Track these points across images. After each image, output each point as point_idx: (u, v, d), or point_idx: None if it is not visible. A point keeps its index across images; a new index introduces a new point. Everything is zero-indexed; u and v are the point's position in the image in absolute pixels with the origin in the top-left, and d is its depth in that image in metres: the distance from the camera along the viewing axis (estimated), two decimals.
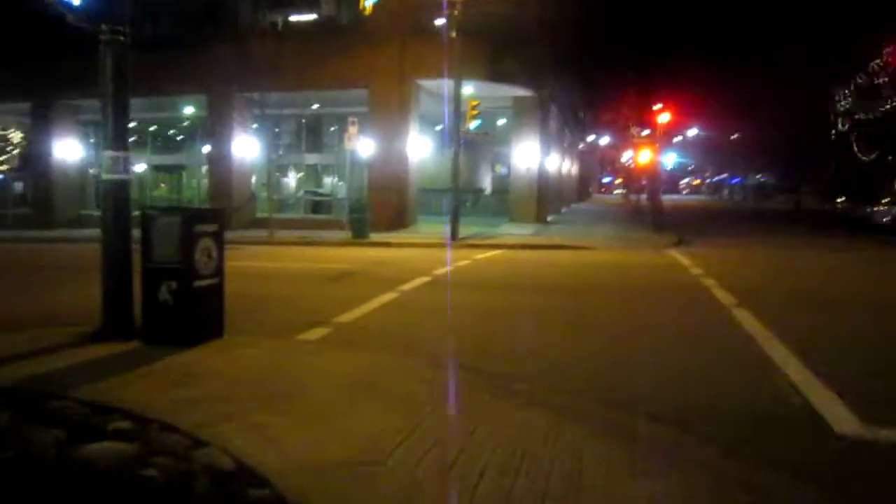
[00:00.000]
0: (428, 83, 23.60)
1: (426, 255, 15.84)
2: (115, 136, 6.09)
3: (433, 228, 21.88)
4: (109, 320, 6.10)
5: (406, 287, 10.07)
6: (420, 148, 25.22)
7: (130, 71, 6.19)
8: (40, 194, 27.67)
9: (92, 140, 30.90)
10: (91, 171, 29.99)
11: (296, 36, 24.73)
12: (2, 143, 35.25)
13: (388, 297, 9.18)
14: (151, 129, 32.01)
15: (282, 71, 22.44)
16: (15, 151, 34.81)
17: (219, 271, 6.10)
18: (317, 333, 6.88)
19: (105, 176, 6.09)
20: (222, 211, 6.25)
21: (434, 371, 5.38)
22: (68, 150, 27.89)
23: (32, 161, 28.61)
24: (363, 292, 9.42)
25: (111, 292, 6.08)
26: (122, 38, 6.06)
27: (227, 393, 4.47)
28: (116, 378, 4.78)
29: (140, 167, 32.04)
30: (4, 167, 33.27)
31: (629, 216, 33.80)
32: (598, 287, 11.08)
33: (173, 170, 31.90)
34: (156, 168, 32.16)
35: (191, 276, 5.77)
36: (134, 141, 33.11)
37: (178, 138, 32.14)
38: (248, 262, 14.23)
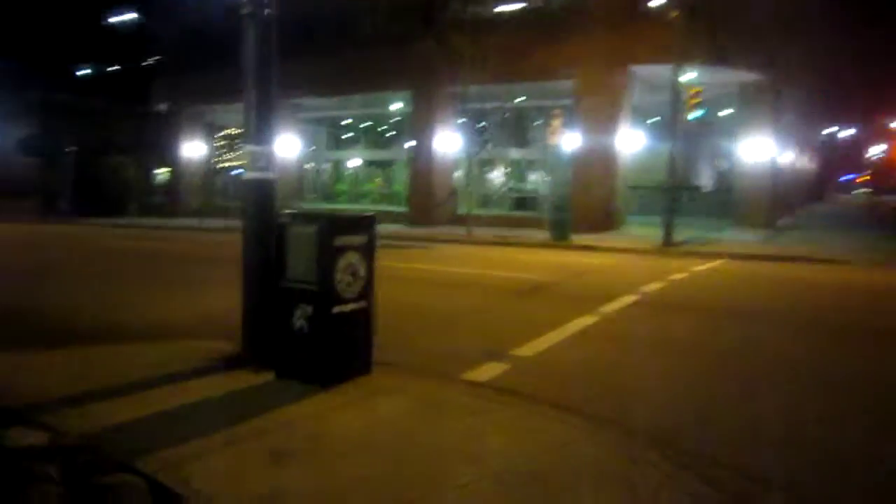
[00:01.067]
0: (642, 70, 21.26)
1: (634, 263, 13.82)
2: (258, 128, 5.10)
3: (643, 231, 19.59)
4: (247, 344, 5.14)
5: (608, 308, 8.29)
6: (631, 141, 22.90)
7: (276, 51, 5.14)
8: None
9: (314, 136, 32.49)
10: (308, 165, 31.67)
11: (500, 26, 23.55)
12: (232, 141, 38.37)
13: (586, 321, 7.48)
14: (365, 125, 33.03)
15: (484, 63, 21.40)
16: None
17: (366, 293, 4.86)
18: (487, 372, 5.43)
19: (248, 174, 5.12)
20: (371, 218, 4.98)
21: (662, 467, 3.57)
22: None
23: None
24: (555, 313, 7.83)
25: (250, 313, 5.10)
26: (266, 10, 5.02)
27: (340, 486, 3.15)
28: (221, 434, 3.70)
29: (355, 162, 33.32)
30: (236, 163, 36.20)
31: (880, 221, 28.49)
32: (872, 326, 8.21)
33: (384, 165, 32.61)
34: (369, 163, 33.17)
35: (330, 301, 4.58)
36: (350, 137, 34.57)
37: (389, 134, 32.72)
38: (432, 264, 13.29)
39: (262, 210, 5.06)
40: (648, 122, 26.24)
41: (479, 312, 8.26)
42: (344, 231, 4.70)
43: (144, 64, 44.84)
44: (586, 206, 20.29)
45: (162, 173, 36.48)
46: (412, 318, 7.55)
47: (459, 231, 20.12)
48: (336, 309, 4.63)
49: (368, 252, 4.86)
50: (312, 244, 4.56)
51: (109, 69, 52.01)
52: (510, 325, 7.48)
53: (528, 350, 6.17)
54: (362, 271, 4.79)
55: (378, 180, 33.56)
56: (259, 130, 5.08)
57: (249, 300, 5.10)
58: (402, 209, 26.26)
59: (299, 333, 4.66)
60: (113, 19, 53.56)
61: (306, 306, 4.62)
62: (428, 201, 24.51)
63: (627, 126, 22.27)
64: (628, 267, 13.24)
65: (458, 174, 26.12)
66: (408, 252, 15.50)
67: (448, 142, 24.89)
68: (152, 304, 8.40)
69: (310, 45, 26.06)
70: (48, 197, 33.98)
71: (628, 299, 8.99)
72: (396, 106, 28.55)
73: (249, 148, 5.08)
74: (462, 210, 24.14)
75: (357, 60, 24.96)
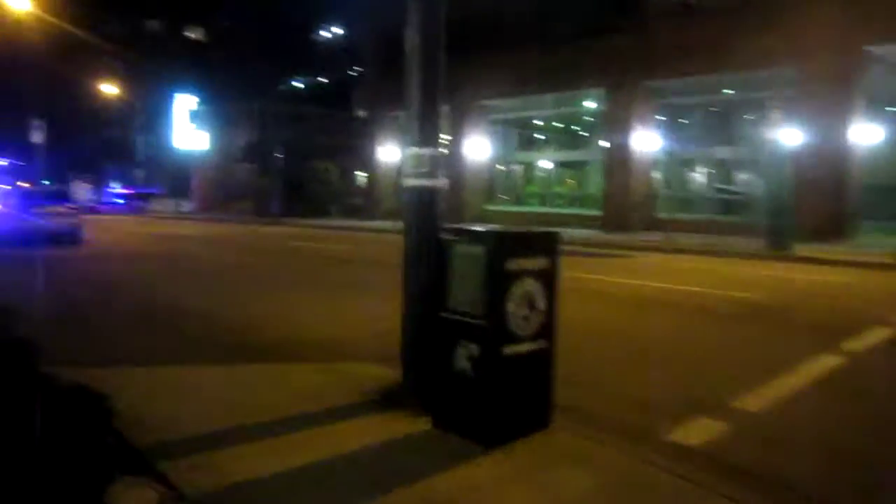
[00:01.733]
0: (880, 50, 18.11)
1: (878, 282, 11.47)
2: (422, 127, 4.31)
3: (883, 240, 16.58)
4: (406, 379, 4.39)
5: (855, 345, 6.55)
6: (867, 134, 19.62)
7: (442, 39, 4.34)
8: (452, 190, 29.33)
9: (503, 138, 32.10)
10: (497, 167, 31.27)
11: (706, 12, 21.33)
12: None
13: (828, 362, 5.88)
14: (557, 124, 31.97)
15: (689, 53, 19.51)
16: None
17: (546, 331, 3.89)
18: (698, 432, 4.21)
19: (407, 181, 4.37)
20: (554, 236, 3.99)
21: None
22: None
23: (448, 159, 30.70)
24: (782, 347, 6.33)
25: (409, 345, 4.35)
26: None
27: None
28: None
29: (546, 164, 32.40)
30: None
31: None
32: None
33: (577, 166, 31.36)
34: (561, 164, 32.10)
35: (499, 339, 3.68)
36: (541, 138, 33.68)
37: (581, 133, 31.39)
38: (624, 276, 11.91)
39: (424, 224, 4.27)
40: (890, 110, 22.47)
41: (682, 341, 6.92)
42: (520, 252, 3.76)
43: (350, 73, 47.46)
44: (810, 210, 17.64)
45: (361, 177, 38.07)
46: (597, 345, 6.45)
47: (657, 237, 18.40)
48: (507, 350, 3.71)
49: (550, 279, 3.89)
50: (480, 268, 3.67)
51: (318, 80, 55.77)
52: (724, 361, 6.11)
53: (752, 402, 4.81)
54: (541, 303, 3.83)
55: (570, 182, 32.37)
56: (423, 130, 4.30)
57: (408, 330, 4.34)
58: (595, 213, 24.85)
59: (461, 376, 3.80)
60: (323, 33, 57.36)
61: (470, 344, 3.75)
62: (623, 204, 22.90)
63: (862, 116, 19.10)
64: (870, 286, 10.98)
65: (657, 175, 24.20)
66: (597, 261, 14.24)
67: (646, 140, 23.10)
68: (330, 312, 8.07)
69: (498, 46, 25.55)
70: (261, 199, 36.84)
71: (881, 333, 7.12)
72: (590, 104, 27.18)
73: (411, 151, 4.32)
74: (661, 214, 22.30)
75: (548, 58, 24.00)
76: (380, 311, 7.14)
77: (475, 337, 3.72)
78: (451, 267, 3.84)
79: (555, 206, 29.74)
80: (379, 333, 6.44)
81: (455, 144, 29.03)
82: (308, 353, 5.91)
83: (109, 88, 48.30)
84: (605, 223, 23.07)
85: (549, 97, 26.80)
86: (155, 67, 51.83)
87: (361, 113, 35.46)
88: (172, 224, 31.83)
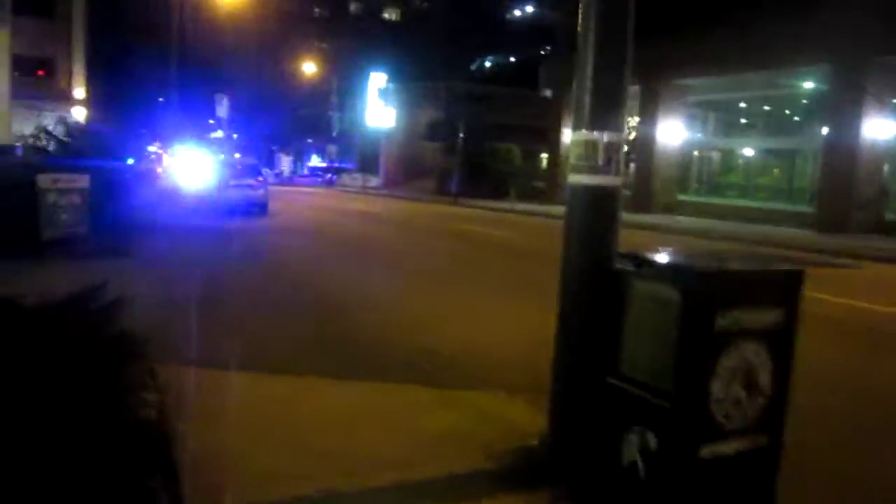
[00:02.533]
0: None
1: None
2: (597, 102, 3.04)
3: None
4: (552, 448, 3.19)
5: None
6: None
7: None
8: (641, 178, 27.09)
9: (700, 123, 29.25)
10: (693, 153, 28.55)
11: None
12: None
13: None
14: (764, 107, 28.47)
15: None
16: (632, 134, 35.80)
17: (770, 421, 2.50)
18: None
19: (572, 177, 3.12)
20: (797, 276, 2.54)
21: None
22: (672, 133, 26.51)
23: (637, 144, 28.40)
24: None
25: (561, 412, 3.14)
26: None
27: None
28: None
29: (748, 151, 29.00)
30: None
31: None
32: None
33: (784, 155, 27.68)
34: (766, 152, 28.56)
35: (693, 432, 2.37)
36: (745, 123, 30.24)
37: (791, 118, 27.69)
38: (854, 296, 9.58)
39: (590, 242, 3.01)
40: None
41: None
42: (739, 300, 2.39)
43: (540, 53, 46.10)
44: None
45: (545, 159, 36.74)
46: (841, 409, 4.73)
47: (891, 245, 15.37)
48: (704, 449, 2.38)
49: (783, 343, 2.48)
50: (672, 320, 2.37)
51: (508, 59, 54.95)
52: None
53: None
54: (766, 380, 2.44)
55: (777, 172, 28.73)
56: (597, 107, 3.03)
57: (559, 392, 3.12)
58: (804, 209, 21.65)
59: (630, 475, 2.54)
60: (516, 12, 56.35)
61: (647, 432, 2.47)
62: (844, 202, 19.55)
63: None
64: None
65: (889, 169, 20.50)
66: (817, 273, 11.87)
67: (881, 127, 19.51)
68: (485, 315, 7.01)
69: (697, 18, 22.82)
70: (442, 178, 36.78)
71: None
72: (807, 84, 23.65)
73: (579, 135, 3.07)
74: (893, 215, 18.84)
75: (756, 31, 20.91)
76: (541, 321, 5.93)
77: (655, 423, 2.44)
78: (629, 313, 2.58)
79: (757, 199, 26.43)
80: (533, 347, 5.23)
81: (646, 128, 26.77)
82: (444, 367, 4.89)
83: (310, 67, 50.81)
84: (819, 222, 19.88)
85: (755, 76, 23.60)
86: (353, 47, 53.90)
87: (547, 92, 33.98)
88: (354, 199, 32.66)
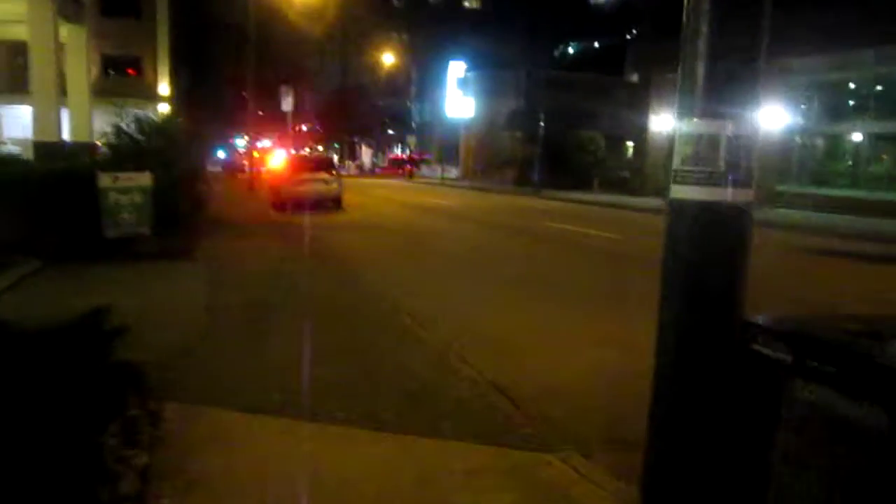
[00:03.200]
0: None
1: None
2: (718, 81, 2.06)
3: None
4: None
5: None
6: None
7: None
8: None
9: (803, 106, 26.94)
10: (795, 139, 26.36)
11: None
12: None
13: None
14: (877, 89, 25.83)
15: None
16: None
17: None
18: None
19: (678, 190, 2.16)
20: None
21: None
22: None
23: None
24: None
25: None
26: None
27: None
28: None
29: (855, 136, 26.43)
30: None
31: None
32: None
33: None
34: (880, 138, 25.91)
35: None
36: (853, 106, 27.65)
37: None
38: None
39: (705, 291, 2.04)
40: None
41: None
42: None
43: (624, 38, 44.08)
44: None
45: (630, 148, 35.01)
46: None
47: None
48: None
49: None
50: (875, 462, 1.38)
51: (590, 45, 52.99)
52: None
53: None
54: None
55: (886, 159, 26.03)
56: (720, 83, 2.05)
57: (663, 464, 2.18)
58: None
59: None
60: None
61: None
62: None
63: None
64: None
65: None
66: None
67: None
68: (570, 339, 6.04)
69: None
70: (523, 168, 35.61)
71: None
72: None
73: (690, 126, 2.10)
74: None
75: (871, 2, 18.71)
76: (646, 348, 4.99)
77: None
78: (780, 430, 1.58)
79: (872, 189, 23.98)
80: (623, 393, 4.27)
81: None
82: (507, 413, 3.98)
83: (389, 58, 50.52)
84: None
85: (870, 53, 21.28)
86: (432, 37, 53.26)
87: (634, 77, 32.26)
88: (432, 191, 32.01)
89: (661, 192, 26.64)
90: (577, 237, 14.10)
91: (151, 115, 17.93)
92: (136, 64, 29.75)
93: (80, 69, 17.95)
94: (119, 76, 28.09)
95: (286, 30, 52.66)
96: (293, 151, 28.38)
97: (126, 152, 13.54)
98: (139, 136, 14.90)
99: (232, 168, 46.63)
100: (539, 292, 8.12)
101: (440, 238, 13.59)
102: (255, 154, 40.28)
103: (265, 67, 69.56)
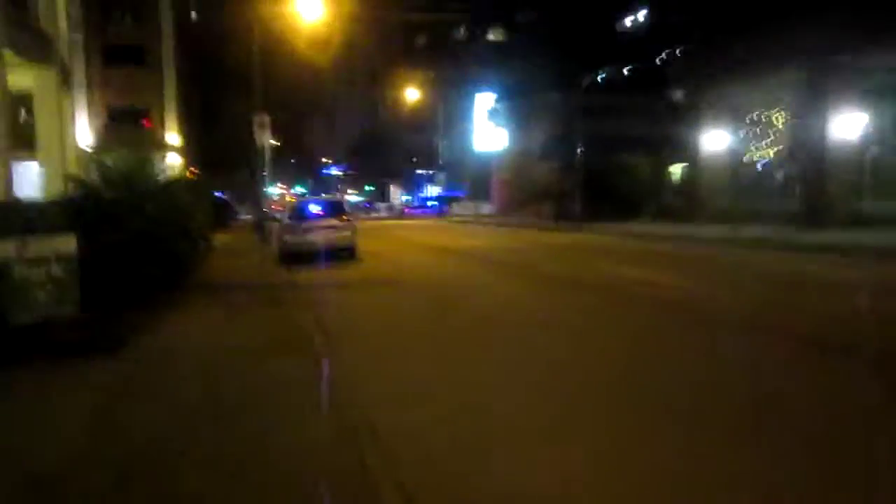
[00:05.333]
0: None
1: None
2: None
3: None
4: None
5: None
6: None
7: None
8: (811, 187, 21.46)
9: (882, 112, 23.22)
10: (872, 149, 22.54)
11: None
12: (765, 128, 30.82)
13: None
14: None
15: None
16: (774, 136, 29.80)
17: None
18: None
19: None
20: None
21: None
22: (848, 125, 20.81)
23: (800, 144, 22.77)
24: None
25: None
26: None
27: None
28: None
29: None
30: (763, 154, 28.68)
31: None
32: None
33: None
34: None
35: None
36: None
37: None
38: None
39: None
40: None
41: None
42: None
43: (660, 59, 40.86)
44: None
45: (676, 172, 31.56)
46: None
47: None
48: None
49: None
50: None
51: (624, 70, 49.86)
52: None
53: None
54: None
55: None
56: None
57: None
58: None
59: None
60: (627, 19, 51.37)
61: None
62: None
63: None
64: None
65: None
66: None
67: None
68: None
69: None
70: (561, 200, 32.36)
71: None
72: None
73: None
74: None
75: None
76: None
77: None
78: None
79: None
80: None
81: (814, 119, 21.26)
82: None
83: (413, 94, 48.17)
84: None
85: None
86: (458, 71, 50.82)
87: (678, 95, 28.94)
88: (464, 232, 28.87)
89: (723, 218, 23.16)
90: (643, 289, 10.67)
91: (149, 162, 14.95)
92: (142, 114, 27.53)
93: (53, 119, 15.36)
94: (125, 127, 25.84)
95: (308, 75, 50.86)
96: (296, 194, 25.63)
97: (74, 210, 10.75)
98: (102, 189, 12.15)
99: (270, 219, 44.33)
100: (617, 396, 4.84)
101: (469, 300, 10.28)
102: (290, 200, 37.80)
103: (291, 113, 68.09)
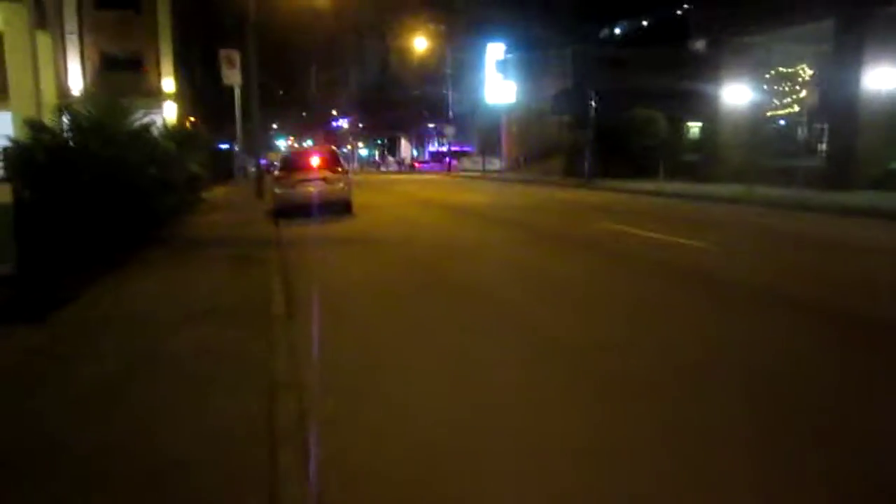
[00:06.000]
0: None
1: None
2: None
3: None
4: None
5: None
6: None
7: None
8: (838, 144, 20.03)
9: None
10: None
11: None
12: (789, 83, 29.11)
13: None
14: None
15: None
16: (803, 92, 28.08)
17: None
18: None
19: None
20: None
21: None
22: (883, 80, 19.25)
23: (829, 99, 21.25)
24: None
25: None
26: None
27: None
28: None
29: None
30: (787, 110, 27.06)
31: None
32: None
33: None
34: None
35: None
36: None
37: None
38: None
39: None
40: None
41: None
42: None
43: (676, 13, 38.80)
44: None
45: (695, 127, 30.01)
46: None
47: None
48: None
49: None
50: None
51: (639, 23, 47.62)
52: None
53: None
54: None
55: None
56: None
57: None
58: None
59: None
60: None
61: None
62: None
63: None
64: None
65: None
66: None
67: None
68: None
69: None
70: (572, 156, 31.02)
71: None
72: None
73: None
74: None
75: None
76: None
77: None
78: None
79: None
80: None
81: (845, 72, 19.72)
82: None
83: (423, 45, 46.47)
84: None
85: None
86: (469, 20, 48.82)
87: (698, 45, 27.22)
88: (470, 187, 27.69)
89: (740, 176, 21.86)
90: (651, 248, 9.63)
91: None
92: (136, 61, 26.21)
93: (25, 62, 14.22)
94: (119, 75, 24.58)
95: (314, 21, 49.08)
96: (295, 146, 24.54)
97: (23, 157, 9.74)
98: (68, 136, 11.13)
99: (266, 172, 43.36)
100: (658, 421, 3.84)
101: (465, 261, 9.24)
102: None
103: (298, 62, 66.28)
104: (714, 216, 14.55)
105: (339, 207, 15.26)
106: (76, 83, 24.57)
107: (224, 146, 39.54)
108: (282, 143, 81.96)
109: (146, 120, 12.12)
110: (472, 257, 9.47)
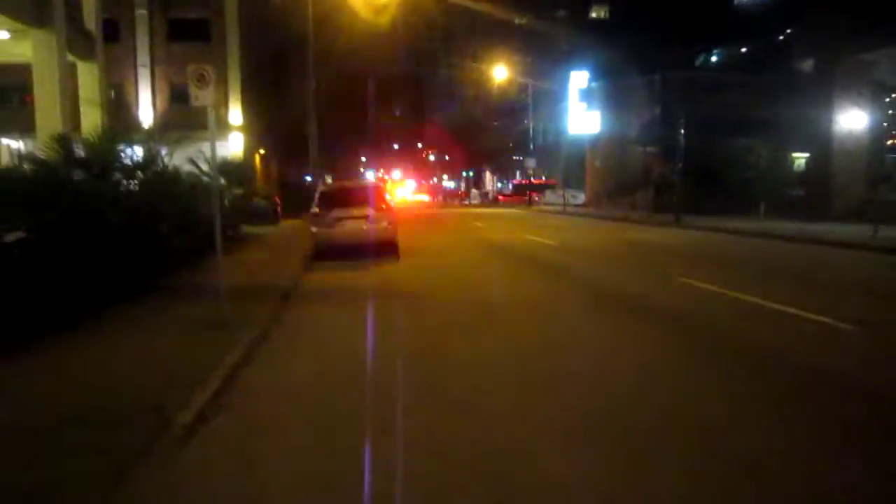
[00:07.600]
0: None
1: None
2: None
3: None
4: None
5: None
6: None
7: None
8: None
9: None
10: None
11: None
12: None
13: None
14: None
15: None
16: None
17: None
18: None
19: None
20: None
21: None
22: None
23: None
24: None
25: None
26: None
27: None
28: None
29: None
30: None
31: None
32: None
33: None
34: None
35: None
36: None
37: None
38: None
39: None
40: None
41: None
42: None
43: (778, 37, 35.14)
44: None
45: (800, 159, 26.49)
46: None
47: None
48: None
49: None
50: None
51: (737, 50, 43.90)
52: None
53: None
54: None
55: None
56: None
57: None
58: None
59: None
60: None
61: None
62: None
63: None
64: None
65: None
66: None
67: None
68: None
69: None
70: (659, 190, 28.05)
71: None
72: None
73: None
74: None
75: None
76: None
77: None
78: None
79: None
80: None
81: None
82: None
83: (509, 77, 44.71)
84: None
85: None
86: (556, 51, 46.71)
87: (805, 65, 23.90)
88: (545, 223, 25.22)
89: (857, 214, 18.47)
90: (757, 325, 6.99)
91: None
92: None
93: (52, 93, 13.19)
94: (187, 106, 24.02)
95: (397, 53, 48.38)
96: (318, 183, 23.04)
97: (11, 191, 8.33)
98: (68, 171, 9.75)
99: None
100: None
101: (489, 336, 7.03)
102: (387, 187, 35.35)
103: (382, 97, 66.05)
104: (837, 269, 11.56)
105: (385, 249, 13.35)
106: (146, 115, 24.16)
107: (308, 178, 38.98)
108: (370, 175, 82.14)
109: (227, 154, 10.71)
110: (503, 332, 7.14)
